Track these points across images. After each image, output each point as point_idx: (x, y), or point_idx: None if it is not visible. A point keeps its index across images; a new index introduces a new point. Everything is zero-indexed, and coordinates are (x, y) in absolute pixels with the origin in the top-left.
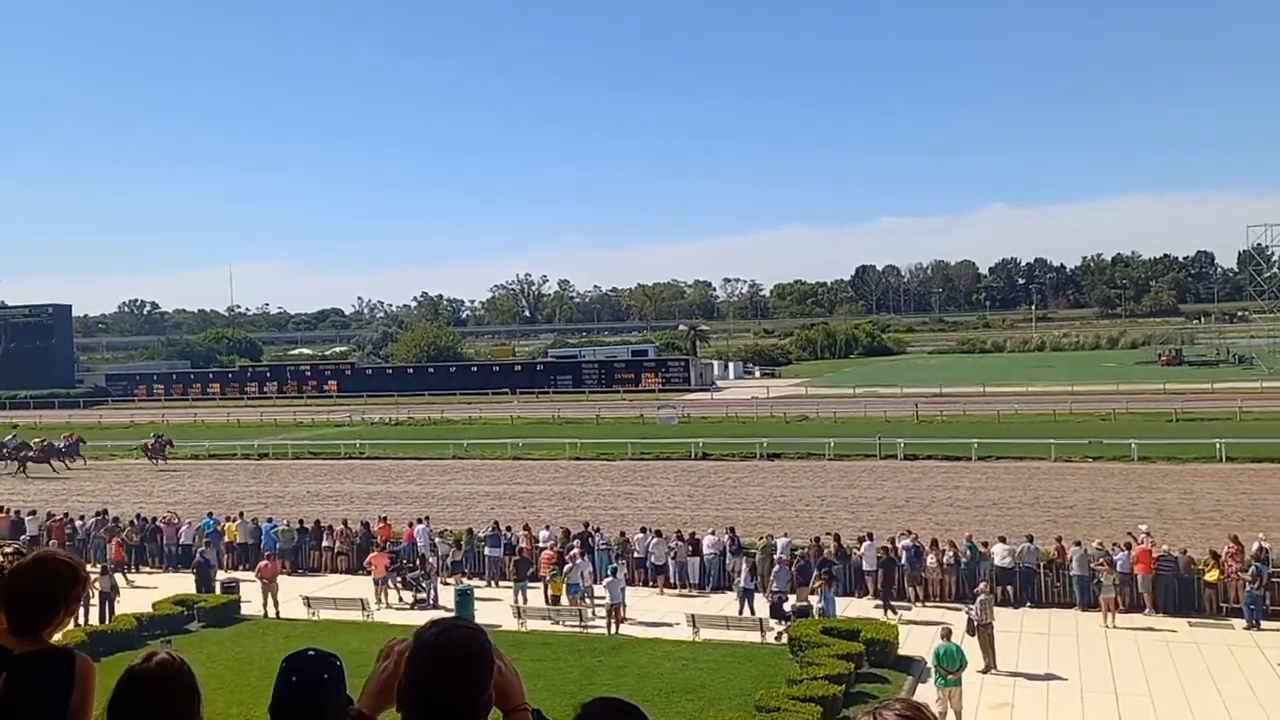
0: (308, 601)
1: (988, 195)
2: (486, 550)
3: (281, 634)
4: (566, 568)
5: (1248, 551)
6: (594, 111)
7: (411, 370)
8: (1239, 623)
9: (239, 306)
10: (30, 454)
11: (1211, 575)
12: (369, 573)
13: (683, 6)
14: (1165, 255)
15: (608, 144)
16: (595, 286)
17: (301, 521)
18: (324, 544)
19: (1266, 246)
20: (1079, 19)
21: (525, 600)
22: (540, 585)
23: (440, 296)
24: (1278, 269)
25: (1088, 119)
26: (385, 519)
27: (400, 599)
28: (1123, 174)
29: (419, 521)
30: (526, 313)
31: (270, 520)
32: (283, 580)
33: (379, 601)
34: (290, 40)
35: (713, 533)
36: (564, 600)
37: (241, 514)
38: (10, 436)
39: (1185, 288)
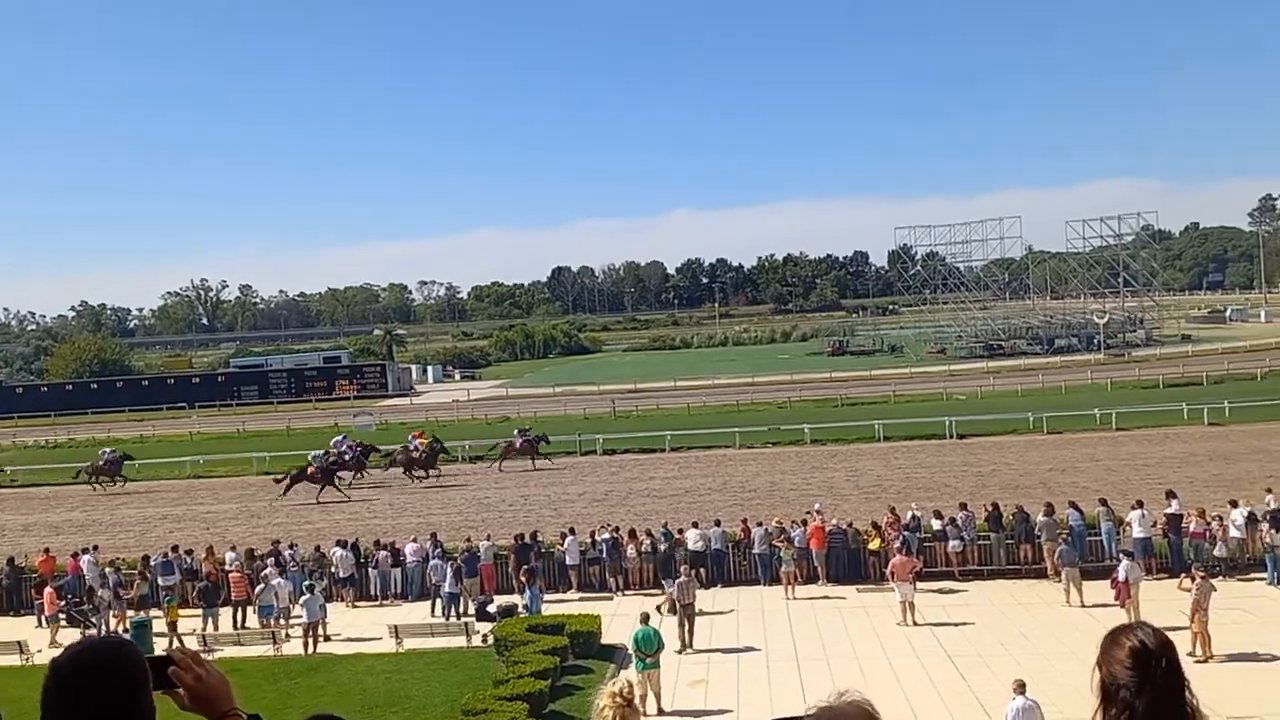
0: None
1: (674, 199)
2: (160, 579)
3: None
4: (258, 589)
5: (904, 519)
6: (274, 101)
7: (71, 387)
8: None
9: None
10: None
11: (874, 544)
12: (33, 611)
13: (365, 2)
14: (828, 255)
15: (291, 138)
16: (281, 291)
17: None
18: None
19: (911, 246)
20: (742, 35)
21: (215, 627)
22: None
23: (103, 306)
24: (920, 267)
25: (760, 128)
26: (48, 550)
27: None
28: (791, 180)
29: (84, 551)
30: (204, 321)
31: None
32: None
33: (53, 642)
34: None
35: (414, 540)
36: (254, 622)
37: None
38: None
39: (846, 284)
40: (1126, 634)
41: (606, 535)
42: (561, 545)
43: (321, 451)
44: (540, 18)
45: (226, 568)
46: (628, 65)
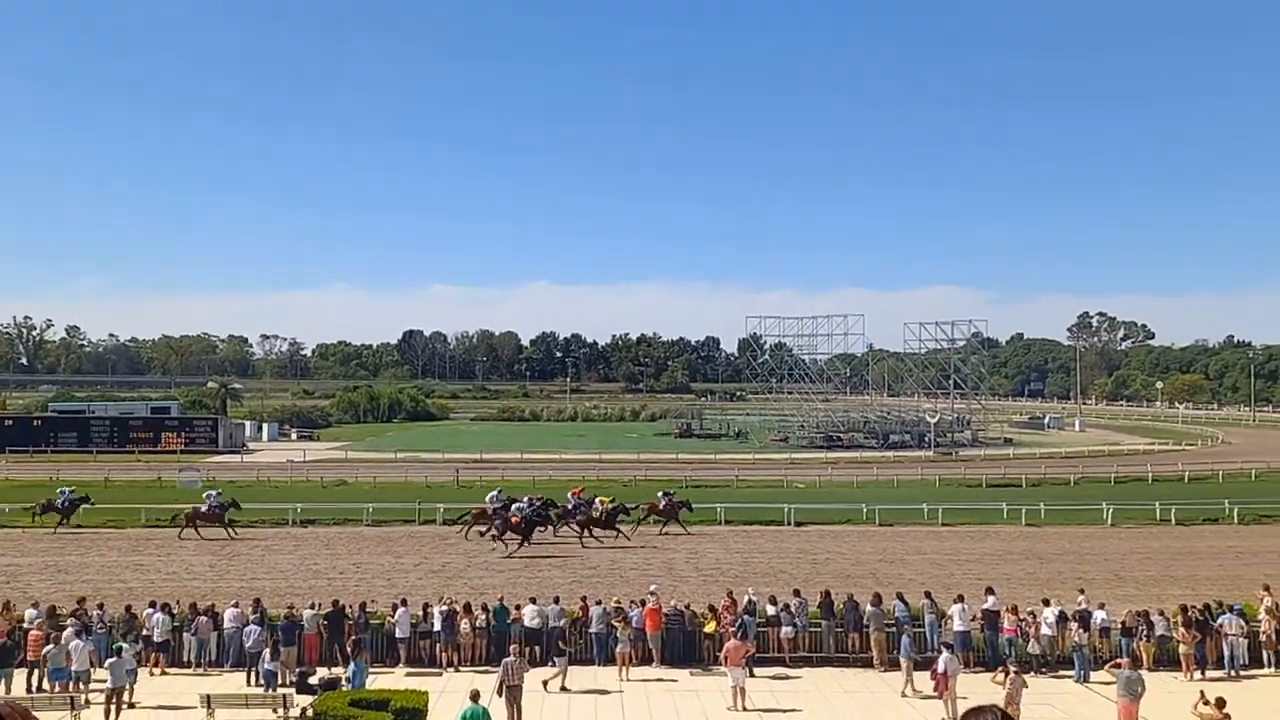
0: None
1: (534, 271)
2: None
3: None
4: (46, 649)
5: (740, 605)
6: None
7: None
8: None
9: None
10: None
11: (709, 627)
12: None
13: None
14: (681, 338)
15: (131, 191)
16: (112, 335)
17: None
18: None
19: (760, 336)
20: (619, 121)
21: (8, 689)
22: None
23: None
24: (768, 356)
25: (627, 211)
26: None
27: None
28: (650, 262)
29: None
30: (24, 361)
31: None
32: None
33: None
34: None
35: (235, 604)
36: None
37: None
38: None
39: (696, 368)
40: (981, 713)
41: (442, 608)
42: (392, 616)
43: (524, 502)
44: (401, 87)
45: (25, 625)
46: (495, 140)
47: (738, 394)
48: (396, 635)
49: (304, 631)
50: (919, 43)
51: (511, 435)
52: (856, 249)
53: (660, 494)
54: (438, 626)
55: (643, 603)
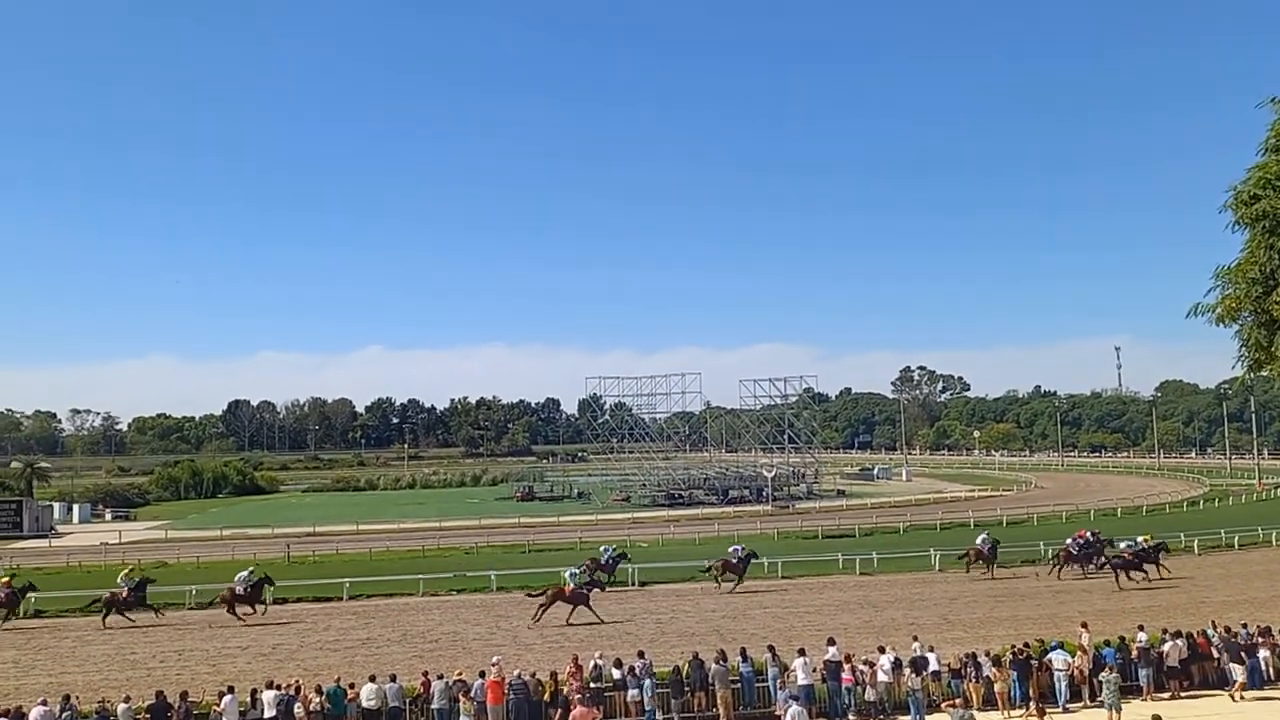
0: None
1: (365, 336)
2: None
3: None
4: None
5: (586, 670)
6: None
7: None
8: None
9: None
10: None
11: (547, 695)
12: None
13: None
14: (521, 400)
15: None
16: None
17: None
18: None
19: (600, 396)
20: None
21: None
22: None
23: None
24: (609, 416)
25: (459, 274)
26: None
27: None
28: (487, 325)
29: None
30: None
31: None
32: None
33: None
34: None
35: (44, 702)
36: None
37: None
38: None
39: (537, 430)
40: None
41: (271, 693)
42: (219, 705)
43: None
44: (218, 148)
45: None
46: (314, 200)
47: (579, 454)
48: None
49: None
50: (744, 117)
51: (347, 506)
52: (691, 309)
53: (732, 550)
54: (269, 713)
55: (483, 674)
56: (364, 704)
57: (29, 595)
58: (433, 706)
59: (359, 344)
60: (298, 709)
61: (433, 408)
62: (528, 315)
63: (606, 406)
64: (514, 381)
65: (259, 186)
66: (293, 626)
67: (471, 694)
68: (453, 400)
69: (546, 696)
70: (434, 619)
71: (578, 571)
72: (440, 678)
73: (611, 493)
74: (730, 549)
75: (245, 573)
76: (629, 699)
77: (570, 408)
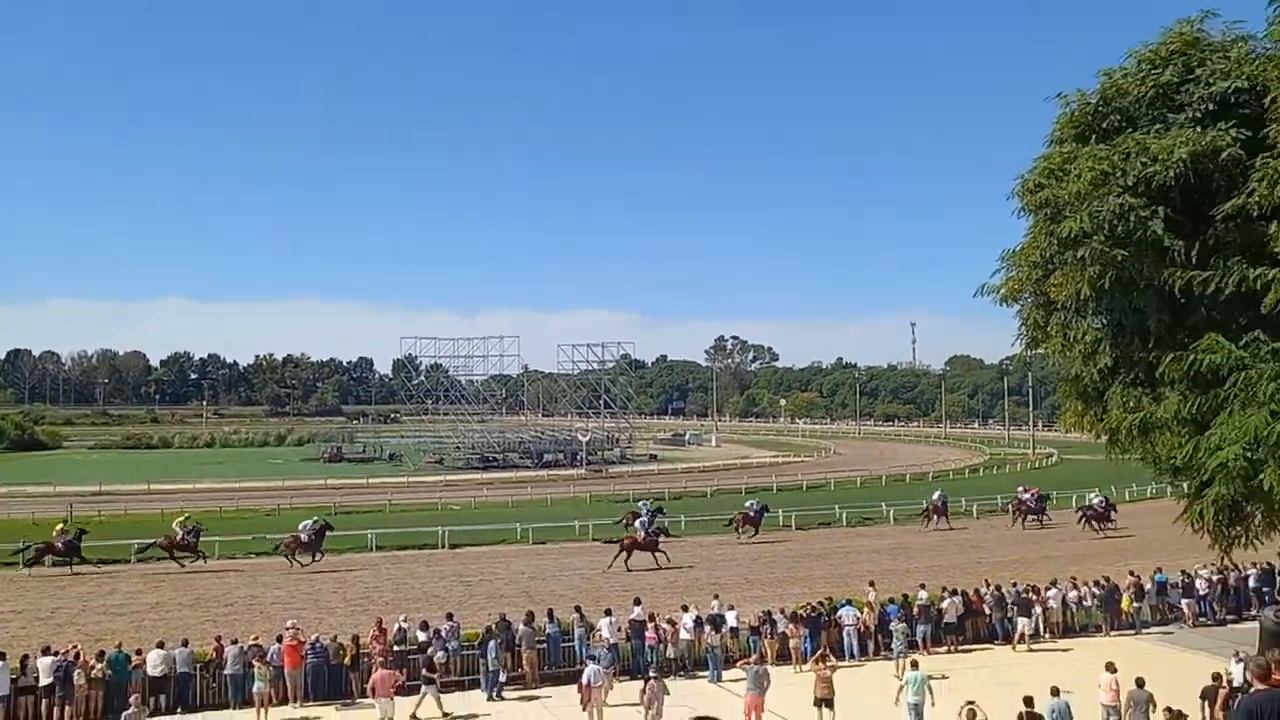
0: None
1: (165, 285)
2: None
3: None
4: None
5: (390, 633)
6: None
7: None
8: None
9: None
10: None
11: (348, 659)
12: None
13: None
14: (332, 359)
15: None
16: None
17: None
18: None
19: (416, 357)
20: (237, 130)
21: None
22: None
23: None
24: (424, 378)
25: (267, 225)
26: None
27: None
28: (297, 279)
29: None
30: None
31: None
32: None
33: None
34: None
35: None
36: None
37: None
38: None
39: (348, 390)
40: None
41: (47, 660)
42: None
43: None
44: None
45: None
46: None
47: (392, 416)
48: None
49: None
50: (581, 74)
51: (138, 465)
52: (513, 271)
53: (748, 505)
54: (45, 680)
55: (280, 639)
56: (150, 671)
57: None
58: (226, 672)
59: (157, 294)
60: (77, 676)
61: (235, 364)
62: (344, 270)
63: (422, 368)
64: (326, 340)
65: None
66: (73, 590)
67: (268, 658)
68: (257, 356)
69: (348, 660)
70: (230, 582)
71: (645, 518)
72: (234, 642)
73: (425, 455)
74: (747, 504)
75: (309, 521)
76: (435, 660)
77: (384, 368)
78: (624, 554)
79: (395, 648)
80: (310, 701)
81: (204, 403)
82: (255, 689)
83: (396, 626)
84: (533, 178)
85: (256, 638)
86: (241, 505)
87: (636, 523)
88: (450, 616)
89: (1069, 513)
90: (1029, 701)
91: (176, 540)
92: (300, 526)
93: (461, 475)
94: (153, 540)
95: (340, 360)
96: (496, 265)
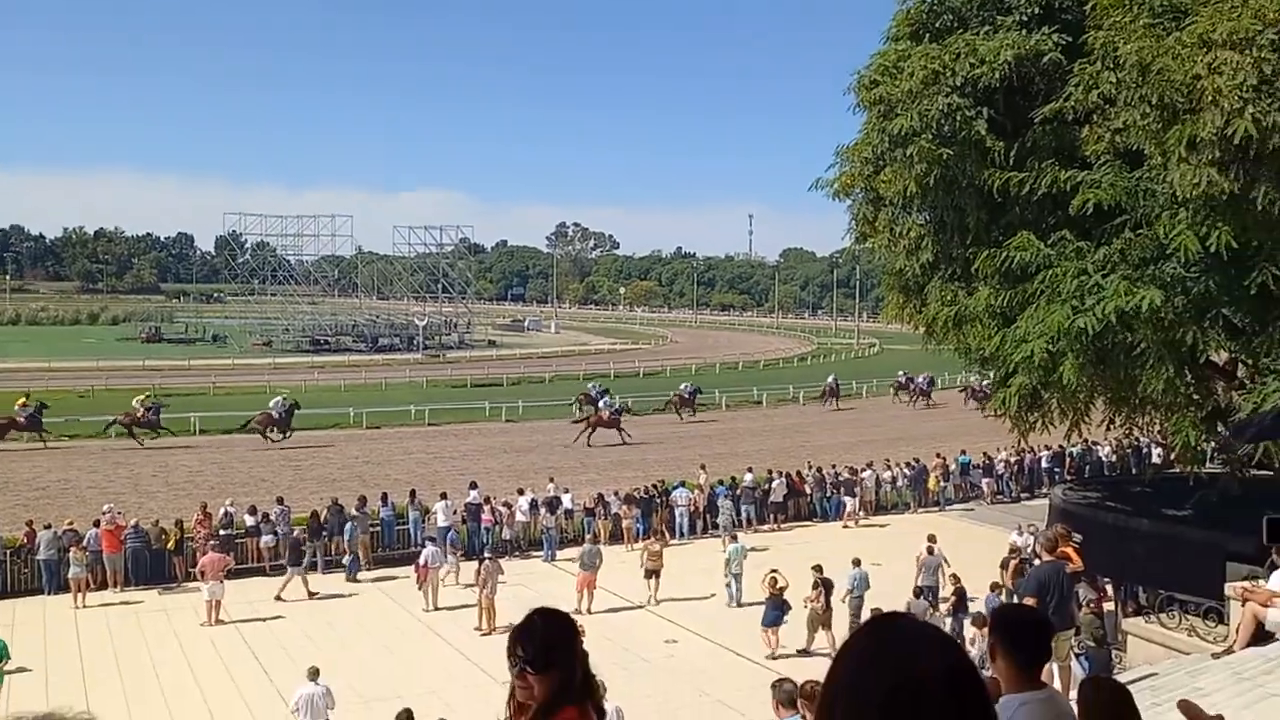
0: None
1: None
2: None
3: None
4: None
5: (215, 518)
6: None
7: None
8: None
9: None
10: None
11: (171, 544)
12: None
13: None
14: (149, 234)
15: None
16: None
17: None
18: None
19: (241, 234)
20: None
21: None
22: None
23: None
24: (250, 256)
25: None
26: None
27: None
28: (112, 147)
29: None
30: None
31: None
32: None
33: None
34: None
35: None
36: None
37: None
38: None
39: (167, 267)
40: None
41: None
42: None
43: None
44: None
45: None
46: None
47: (215, 295)
48: None
49: None
50: None
51: None
52: (345, 145)
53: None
54: None
55: (96, 524)
56: None
57: None
58: (38, 558)
59: None
60: None
61: (41, 236)
62: (162, 138)
63: (248, 246)
64: (142, 213)
65: None
66: None
67: (85, 544)
68: (66, 229)
69: (170, 545)
70: (41, 465)
71: (608, 400)
72: (48, 527)
73: (251, 337)
74: (681, 386)
75: (279, 398)
76: (262, 545)
77: (207, 245)
78: (590, 430)
79: (221, 532)
80: (131, 586)
81: (7, 277)
82: (72, 574)
83: (222, 511)
84: (355, 43)
85: (71, 522)
86: (52, 386)
87: (601, 402)
88: (280, 501)
89: (886, 399)
90: (819, 569)
91: (138, 417)
92: (270, 404)
93: (291, 358)
94: (114, 418)
95: (158, 235)
96: (326, 138)
